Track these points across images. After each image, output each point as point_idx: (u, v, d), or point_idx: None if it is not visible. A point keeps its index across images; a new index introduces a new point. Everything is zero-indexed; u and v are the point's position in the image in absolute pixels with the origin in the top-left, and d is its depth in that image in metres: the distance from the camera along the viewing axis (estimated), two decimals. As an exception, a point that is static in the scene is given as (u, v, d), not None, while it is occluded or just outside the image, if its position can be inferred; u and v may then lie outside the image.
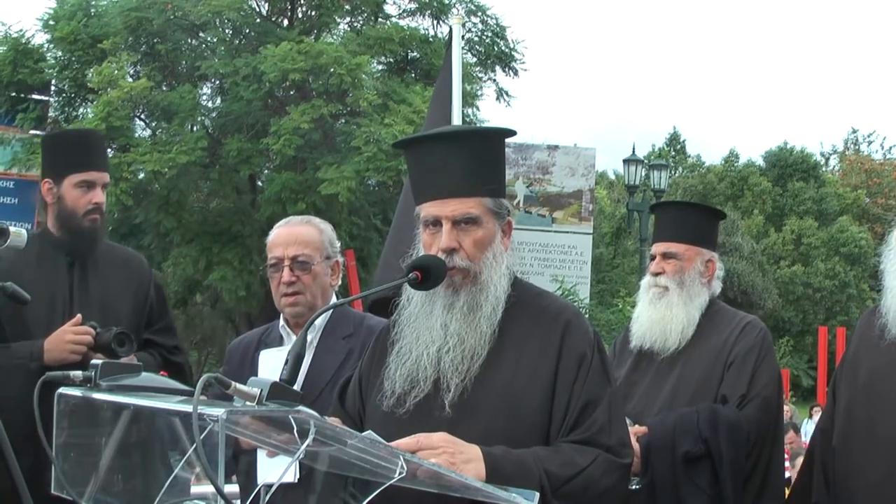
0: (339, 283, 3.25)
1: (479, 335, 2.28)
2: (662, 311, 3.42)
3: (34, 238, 3.59)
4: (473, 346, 2.28)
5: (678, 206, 4.25)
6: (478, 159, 2.33)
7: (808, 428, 13.84)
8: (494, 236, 2.35)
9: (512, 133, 2.49)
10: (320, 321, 3.13)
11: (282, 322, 3.18)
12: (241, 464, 2.99)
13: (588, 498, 2.19)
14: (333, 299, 3.17)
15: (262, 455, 2.76)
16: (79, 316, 3.42)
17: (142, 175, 15.04)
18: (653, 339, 3.43)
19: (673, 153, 44.70)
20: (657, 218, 3.70)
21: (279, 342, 3.13)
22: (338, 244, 3.24)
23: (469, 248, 2.30)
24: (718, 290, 3.54)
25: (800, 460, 6.21)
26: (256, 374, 2.93)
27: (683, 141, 46.24)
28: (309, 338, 3.08)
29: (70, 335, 3.38)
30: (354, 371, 2.58)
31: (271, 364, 2.92)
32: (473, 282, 2.31)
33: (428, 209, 2.34)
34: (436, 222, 2.32)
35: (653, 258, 3.56)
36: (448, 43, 5.10)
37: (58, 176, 3.59)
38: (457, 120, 4.68)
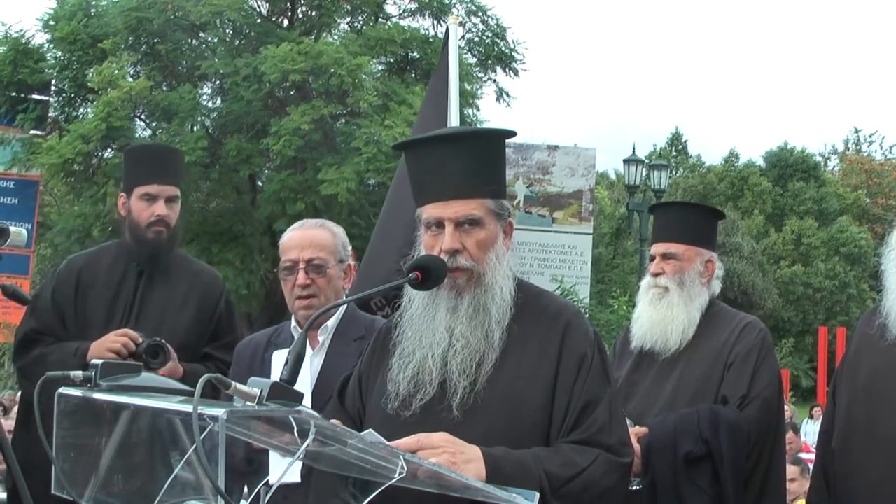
0: (351, 285, 3.25)
1: (488, 338, 2.28)
2: (663, 312, 3.41)
3: (112, 247, 3.89)
4: (482, 349, 2.27)
5: (677, 206, 4.23)
6: (479, 160, 2.33)
7: (808, 428, 13.84)
8: (496, 237, 2.35)
9: (512, 134, 2.49)
10: (332, 323, 3.15)
11: (293, 324, 3.18)
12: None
13: (588, 498, 2.18)
14: None
15: (274, 455, 2.76)
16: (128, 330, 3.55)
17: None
18: (653, 340, 3.42)
19: (674, 153, 44.67)
20: (656, 218, 3.69)
21: (290, 343, 3.13)
22: (349, 247, 3.25)
23: (472, 249, 2.30)
24: (718, 290, 3.54)
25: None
26: (268, 375, 2.92)
27: (685, 141, 46.21)
28: (320, 339, 3.10)
29: (112, 336, 3.50)
30: (354, 371, 2.58)
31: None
32: (477, 283, 2.31)
33: (430, 211, 2.33)
34: (438, 224, 2.31)
35: (652, 259, 3.55)
36: (444, 43, 5.09)
37: (128, 190, 3.78)
38: (455, 121, 4.67)
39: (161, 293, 3.73)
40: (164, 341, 3.48)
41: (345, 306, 3.19)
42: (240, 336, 3.88)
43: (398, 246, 4.46)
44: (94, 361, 2.15)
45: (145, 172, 3.74)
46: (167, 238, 3.73)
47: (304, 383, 2.94)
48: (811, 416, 14.35)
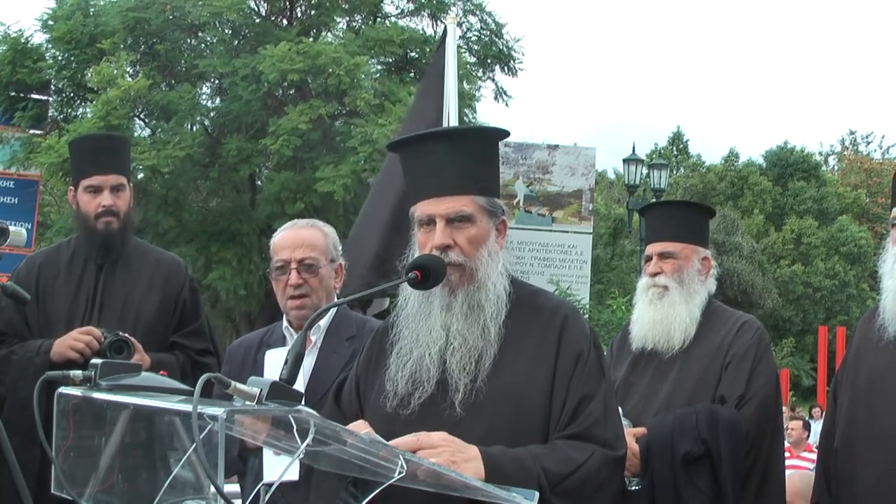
0: (342, 284, 3.26)
1: (485, 335, 2.29)
2: (665, 311, 3.40)
3: (71, 242, 3.84)
4: (479, 346, 2.28)
5: (671, 205, 4.23)
6: (471, 158, 2.35)
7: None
8: (489, 234, 2.36)
9: (506, 133, 2.51)
10: (324, 322, 3.14)
11: (285, 323, 3.19)
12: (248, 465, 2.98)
13: (586, 493, 2.20)
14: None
15: (268, 453, 2.76)
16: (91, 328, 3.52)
17: (140, 175, 15.05)
18: (655, 339, 3.41)
19: (675, 152, 44.59)
20: (649, 219, 3.69)
21: (282, 343, 3.13)
22: (340, 247, 3.26)
23: (464, 245, 2.31)
24: (714, 288, 3.54)
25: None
26: (260, 375, 2.92)
27: (686, 140, 46.11)
28: (313, 339, 3.09)
29: (75, 334, 3.48)
30: (350, 372, 2.58)
31: (278, 363, 2.92)
32: (470, 280, 2.31)
33: (422, 208, 2.35)
34: (430, 221, 2.33)
35: (648, 259, 3.54)
36: (441, 41, 5.05)
37: (75, 183, 3.76)
38: (454, 121, 4.65)
39: (122, 284, 3.70)
40: (127, 336, 3.47)
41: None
42: (206, 322, 3.87)
43: (372, 250, 4.49)
44: (94, 361, 2.15)
45: (87, 164, 3.72)
46: (119, 228, 3.70)
47: (297, 382, 2.94)
48: (811, 417, 14.36)
